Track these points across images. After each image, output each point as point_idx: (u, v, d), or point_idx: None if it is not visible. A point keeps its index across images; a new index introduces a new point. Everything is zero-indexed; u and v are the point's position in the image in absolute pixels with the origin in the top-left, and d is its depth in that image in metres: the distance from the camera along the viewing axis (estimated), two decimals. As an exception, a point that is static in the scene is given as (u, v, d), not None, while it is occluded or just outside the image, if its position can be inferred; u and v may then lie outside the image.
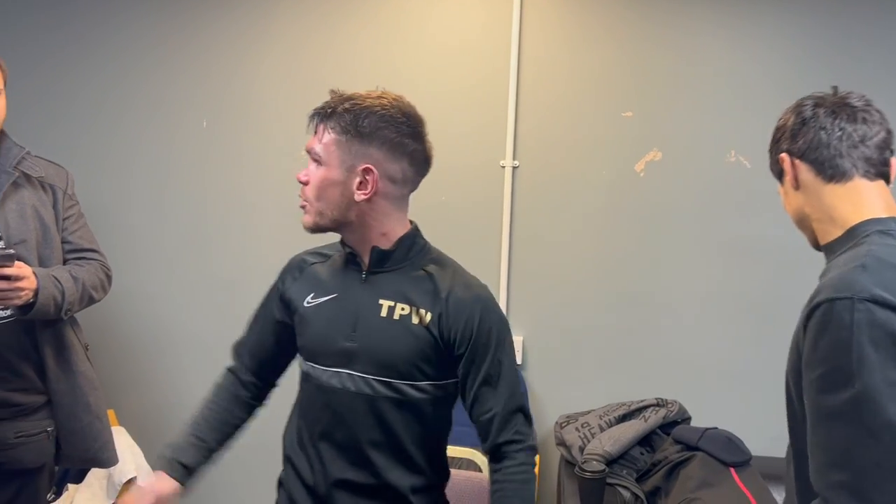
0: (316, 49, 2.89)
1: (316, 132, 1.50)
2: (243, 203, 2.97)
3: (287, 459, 1.65)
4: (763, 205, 2.77)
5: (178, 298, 3.03)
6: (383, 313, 1.52)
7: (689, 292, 2.82)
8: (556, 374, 2.89)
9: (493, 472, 1.57)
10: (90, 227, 2.23)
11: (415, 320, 1.51)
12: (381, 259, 1.54)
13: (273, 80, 2.92)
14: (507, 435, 1.54)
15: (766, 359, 2.80)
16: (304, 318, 1.60)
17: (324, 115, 1.49)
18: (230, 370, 1.78)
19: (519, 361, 2.88)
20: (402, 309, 1.52)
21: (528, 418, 1.57)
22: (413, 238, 1.57)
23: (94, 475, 2.60)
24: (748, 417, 2.82)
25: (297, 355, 1.67)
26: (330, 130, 1.48)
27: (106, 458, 2.20)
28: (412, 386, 1.52)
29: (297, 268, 1.67)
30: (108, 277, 2.18)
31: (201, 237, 3.01)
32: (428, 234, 1.61)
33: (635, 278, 2.84)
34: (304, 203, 1.53)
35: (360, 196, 1.48)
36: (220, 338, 2.99)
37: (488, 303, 1.55)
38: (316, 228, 1.52)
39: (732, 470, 2.41)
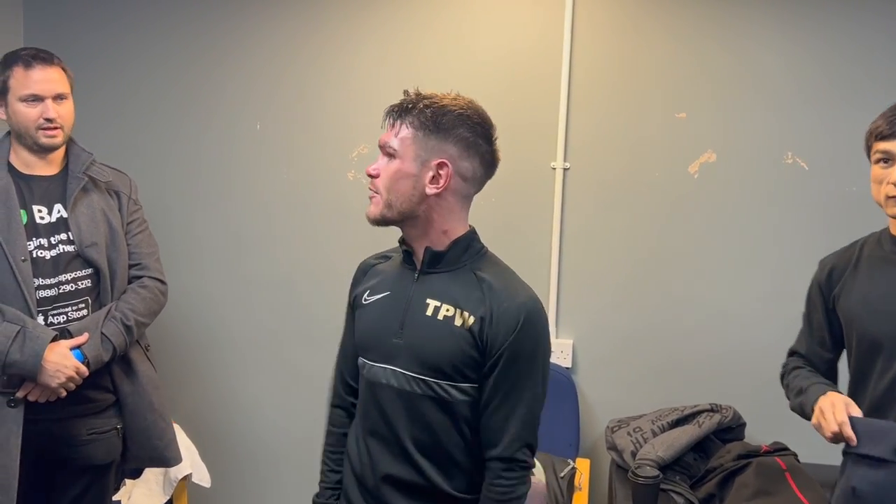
0: (368, 52, 2.90)
1: (392, 127, 1.55)
2: (298, 203, 3.01)
3: (346, 452, 1.70)
4: (820, 208, 2.71)
5: (233, 298, 3.08)
6: (429, 312, 1.55)
7: (744, 296, 2.77)
8: (607, 378, 2.86)
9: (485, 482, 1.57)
10: (151, 230, 2.32)
11: (458, 322, 1.53)
12: (435, 259, 1.58)
13: (325, 83, 2.94)
14: (501, 452, 1.54)
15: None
16: (361, 314, 1.65)
17: (402, 111, 1.54)
18: (337, 408, 1.77)
19: (569, 365, 2.86)
20: (448, 310, 1.54)
21: (533, 450, 1.58)
22: (468, 241, 1.59)
23: (151, 471, 2.65)
24: (802, 424, 2.74)
25: None
26: (407, 125, 1.53)
27: (170, 456, 2.27)
28: (454, 387, 1.54)
29: (362, 271, 1.73)
30: (163, 293, 2.28)
31: (256, 237, 3.05)
32: (480, 235, 1.64)
33: (688, 281, 2.80)
34: (373, 195, 1.56)
35: (431, 189, 1.53)
36: (274, 336, 3.08)
37: (532, 316, 1.53)
38: (381, 220, 1.56)
39: (789, 476, 2.37)
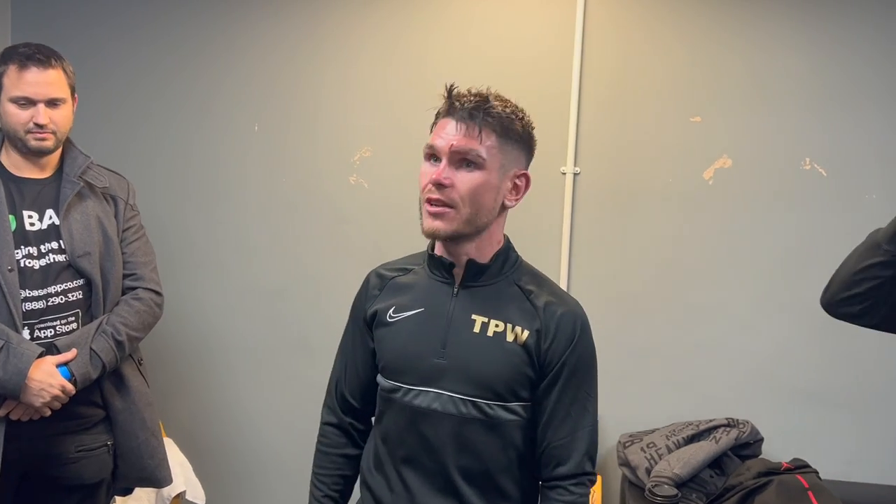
0: (371, 52, 2.81)
1: (470, 131, 1.38)
2: (297, 208, 2.90)
3: (364, 484, 1.57)
4: (839, 215, 2.63)
5: (228, 306, 2.97)
6: (476, 329, 1.44)
7: (761, 307, 2.68)
8: (618, 391, 2.76)
9: (543, 498, 1.50)
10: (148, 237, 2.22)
11: (510, 338, 1.43)
12: (477, 273, 1.47)
13: (326, 83, 2.84)
14: (572, 469, 1.46)
15: (842, 379, 2.66)
16: (386, 333, 1.51)
17: (484, 113, 1.38)
18: (331, 426, 1.63)
19: (579, 376, 2.76)
20: (497, 326, 1.44)
21: (594, 460, 1.51)
22: (507, 252, 1.51)
23: (144, 489, 2.53)
24: (822, 440, 2.67)
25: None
26: (491, 132, 1.39)
27: (161, 476, 2.17)
28: (503, 407, 1.44)
29: (376, 285, 1.57)
30: (158, 304, 2.17)
31: (253, 243, 2.94)
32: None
33: (703, 291, 2.71)
34: (443, 209, 1.39)
35: (510, 202, 1.45)
36: (267, 345, 2.98)
37: (585, 323, 1.48)
38: (454, 236, 1.42)
39: (811, 495, 2.28)
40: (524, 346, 1.43)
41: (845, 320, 1.72)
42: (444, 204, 1.38)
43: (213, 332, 2.98)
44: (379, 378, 1.54)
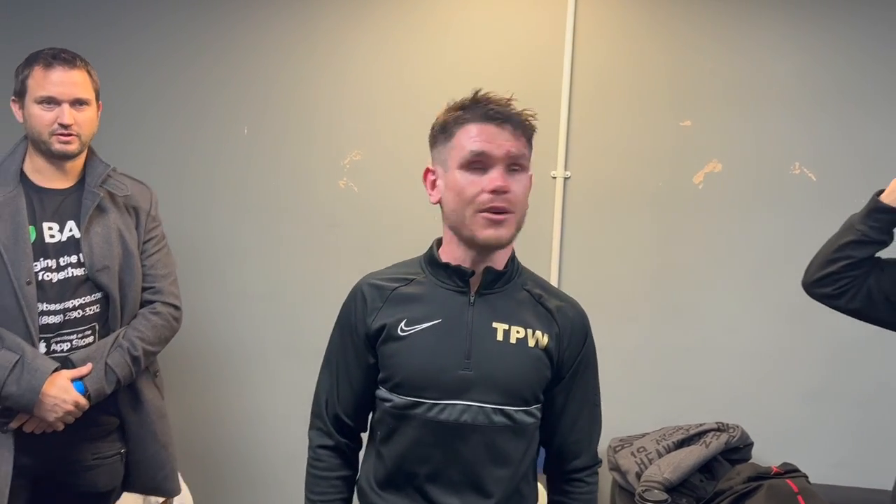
0: (360, 55, 2.80)
1: (514, 136, 1.37)
2: (287, 212, 2.88)
3: None
4: (829, 220, 2.62)
5: (218, 310, 2.94)
6: (499, 337, 1.42)
7: (751, 311, 2.69)
8: (608, 395, 2.68)
9: (557, 491, 1.54)
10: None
11: (531, 343, 1.44)
12: (494, 280, 1.45)
13: (316, 86, 2.83)
14: (587, 461, 1.54)
15: (831, 383, 2.67)
16: (399, 348, 1.43)
17: (521, 119, 1.39)
18: (325, 449, 1.53)
19: (569, 381, 2.76)
20: (518, 332, 1.43)
21: None
22: (514, 257, 1.51)
23: (132, 496, 2.52)
24: (811, 444, 2.68)
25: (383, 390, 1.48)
26: (521, 133, 1.39)
27: (170, 487, 2.17)
28: (526, 412, 1.44)
29: (375, 297, 1.48)
30: (177, 318, 2.15)
31: (242, 247, 2.92)
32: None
33: (693, 295, 2.71)
34: (507, 215, 1.37)
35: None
36: (258, 348, 2.95)
37: (588, 321, 1.53)
38: (509, 242, 1.42)
39: (801, 499, 2.28)
40: (546, 350, 1.44)
41: (823, 302, 1.78)
42: (507, 210, 1.37)
43: (203, 335, 2.96)
44: (386, 394, 1.46)
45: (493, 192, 1.35)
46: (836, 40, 2.60)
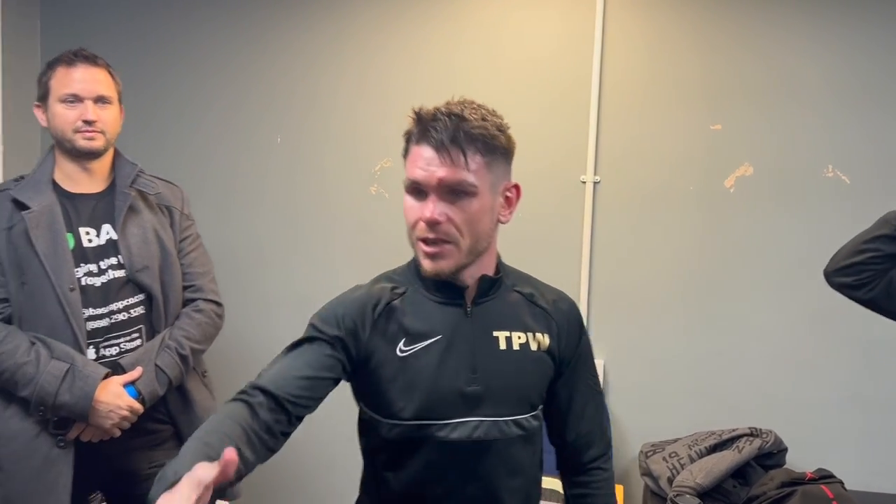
0: (391, 62, 2.83)
1: (452, 159, 1.25)
2: (319, 219, 2.93)
3: None
4: (863, 223, 2.58)
5: (251, 315, 2.98)
6: (502, 346, 1.37)
7: (782, 314, 2.66)
8: (640, 400, 2.75)
9: (575, 484, 1.53)
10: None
11: (534, 346, 1.40)
12: (488, 288, 1.39)
13: (347, 94, 2.87)
14: (602, 449, 1.54)
15: (868, 388, 2.63)
16: (399, 370, 1.33)
17: (467, 137, 1.25)
18: (241, 402, 1.26)
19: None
20: (519, 337, 1.39)
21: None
22: (500, 260, 1.45)
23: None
24: (847, 450, 2.64)
25: (375, 414, 1.38)
26: (475, 153, 1.26)
27: (229, 490, 2.14)
28: (533, 416, 1.42)
29: (373, 311, 1.36)
30: (220, 315, 2.15)
31: (275, 254, 2.97)
32: (505, 252, 1.49)
33: (725, 300, 2.69)
34: (442, 246, 1.28)
35: (505, 217, 1.35)
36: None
37: (578, 309, 1.51)
38: (456, 271, 1.31)
39: (836, 506, 2.25)
40: (548, 351, 1.41)
41: (841, 291, 1.78)
42: (442, 241, 1.28)
43: (233, 342, 3.00)
44: (384, 419, 1.36)
45: (423, 222, 1.28)
46: (868, 42, 2.56)
